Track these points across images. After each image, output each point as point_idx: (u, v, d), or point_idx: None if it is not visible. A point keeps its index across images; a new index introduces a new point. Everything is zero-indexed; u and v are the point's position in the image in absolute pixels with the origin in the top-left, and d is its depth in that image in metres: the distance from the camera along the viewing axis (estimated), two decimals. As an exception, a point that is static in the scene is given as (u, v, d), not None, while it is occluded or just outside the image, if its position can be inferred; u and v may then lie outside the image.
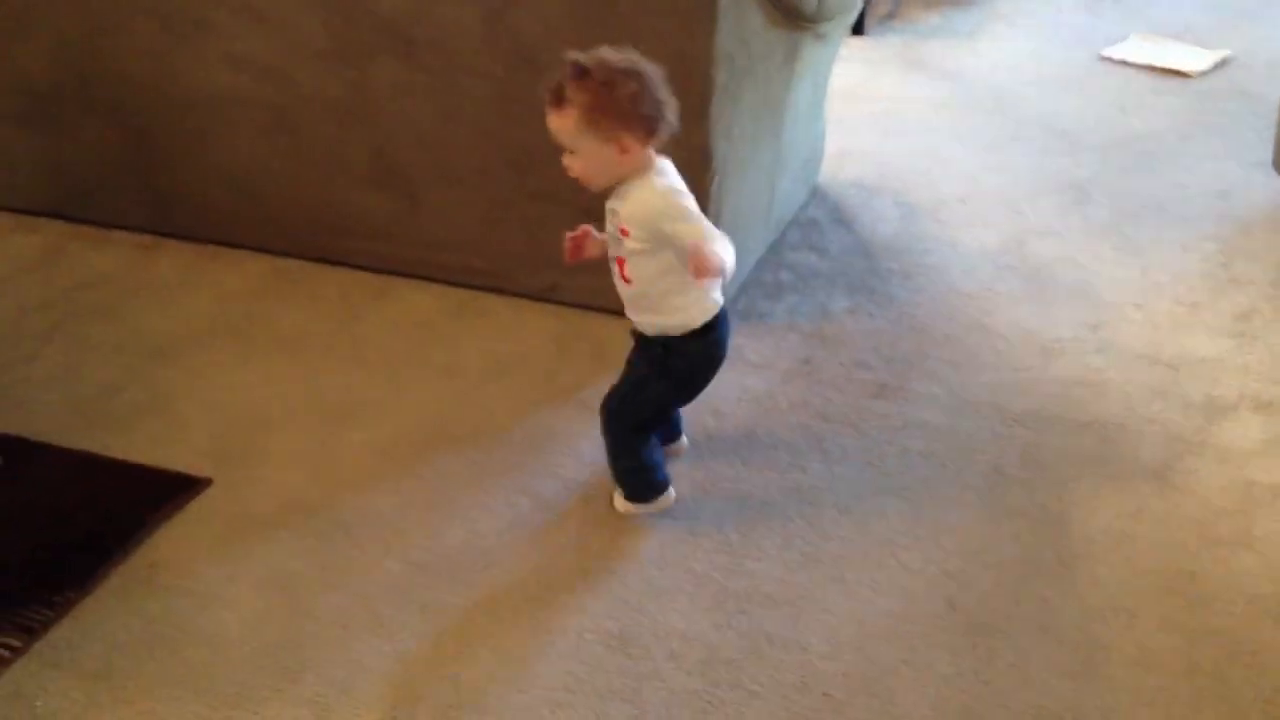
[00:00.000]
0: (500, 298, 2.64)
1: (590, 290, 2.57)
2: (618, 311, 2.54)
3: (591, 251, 1.91)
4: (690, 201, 1.77)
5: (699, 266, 1.68)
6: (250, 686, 1.75)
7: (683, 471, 2.12)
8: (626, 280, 1.85)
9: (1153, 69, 3.71)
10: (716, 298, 1.87)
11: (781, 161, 2.70)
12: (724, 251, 1.70)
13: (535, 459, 2.17)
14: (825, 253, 2.78)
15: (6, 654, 1.81)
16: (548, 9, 2.25)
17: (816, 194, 3.04)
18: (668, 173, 1.79)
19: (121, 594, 1.93)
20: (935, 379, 2.33)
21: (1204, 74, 3.66)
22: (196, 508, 2.11)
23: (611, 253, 1.86)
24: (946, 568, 1.90)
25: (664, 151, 2.20)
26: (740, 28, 2.24)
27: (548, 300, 2.60)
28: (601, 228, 1.87)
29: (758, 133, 2.49)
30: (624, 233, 1.79)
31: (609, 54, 1.71)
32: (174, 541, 2.03)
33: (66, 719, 1.72)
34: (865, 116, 3.48)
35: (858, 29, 4.04)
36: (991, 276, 2.66)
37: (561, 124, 1.71)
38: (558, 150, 2.40)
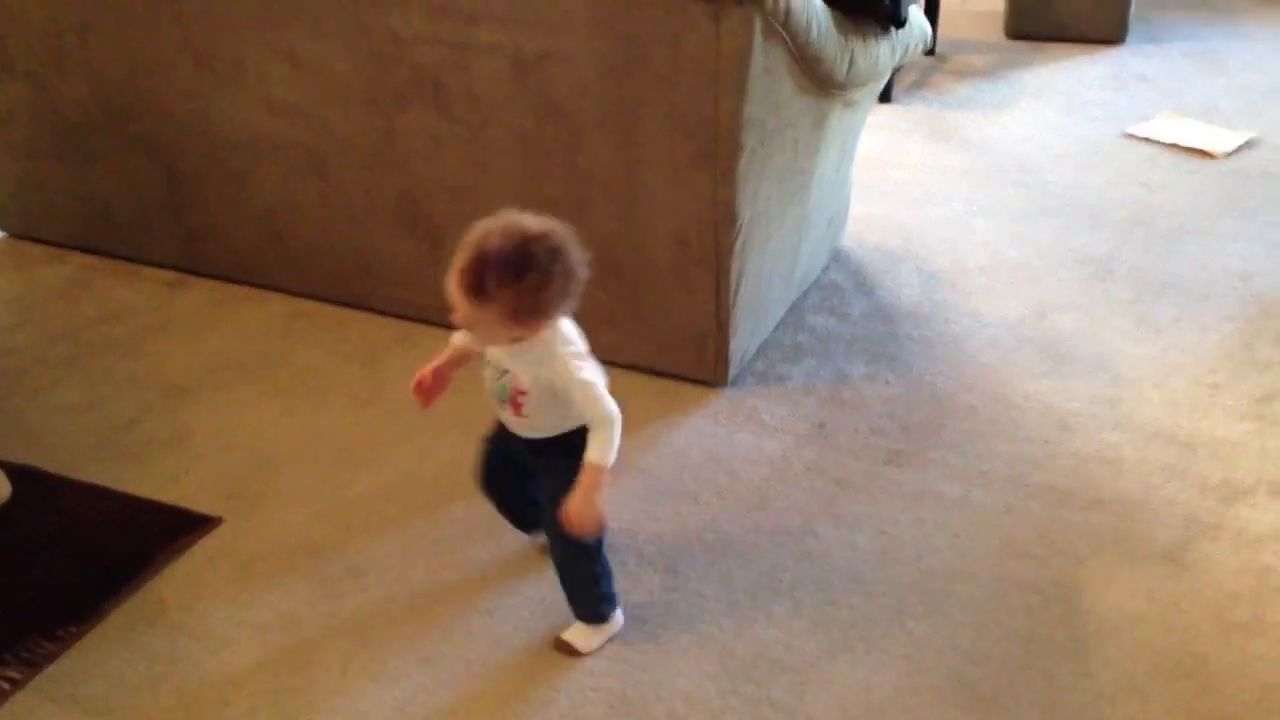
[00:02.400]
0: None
1: (607, 346, 2.57)
2: (634, 367, 2.55)
3: (445, 385, 1.85)
4: (588, 367, 1.68)
5: (576, 520, 1.63)
6: (250, 729, 1.75)
7: (693, 532, 2.12)
8: (520, 416, 1.73)
9: (1178, 148, 3.72)
10: None
11: (806, 225, 2.71)
12: (610, 453, 1.64)
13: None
14: (845, 317, 2.78)
15: (6, 686, 1.81)
16: (580, 65, 2.28)
17: (839, 258, 3.05)
18: (562, 335, 1.68)
19: (126, 630, 1.93)
20: (951, 448, 2.32)
21: (1229, 155, 3.67)
22: (206, 546, 2.11)
23: (496, 395, 1.75)
24: (955, 640, 1.88)
25: (685, 215, 2.22)
26: (771, 93, 2.26)
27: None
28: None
29: (784, 196, 2.50)
30: (522, 393, 1.70)
31: (529, 229, 1.59)
32: (182, 580, 2.03)
33: (64, 754, 1.71)
34: (891, 183, 3.50)
35: (886, 97, 4.07)
36: (1011, 348, 2.66)
37: (476, 313, 1.58)
38: (581, 205, 2.44)
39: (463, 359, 1.83)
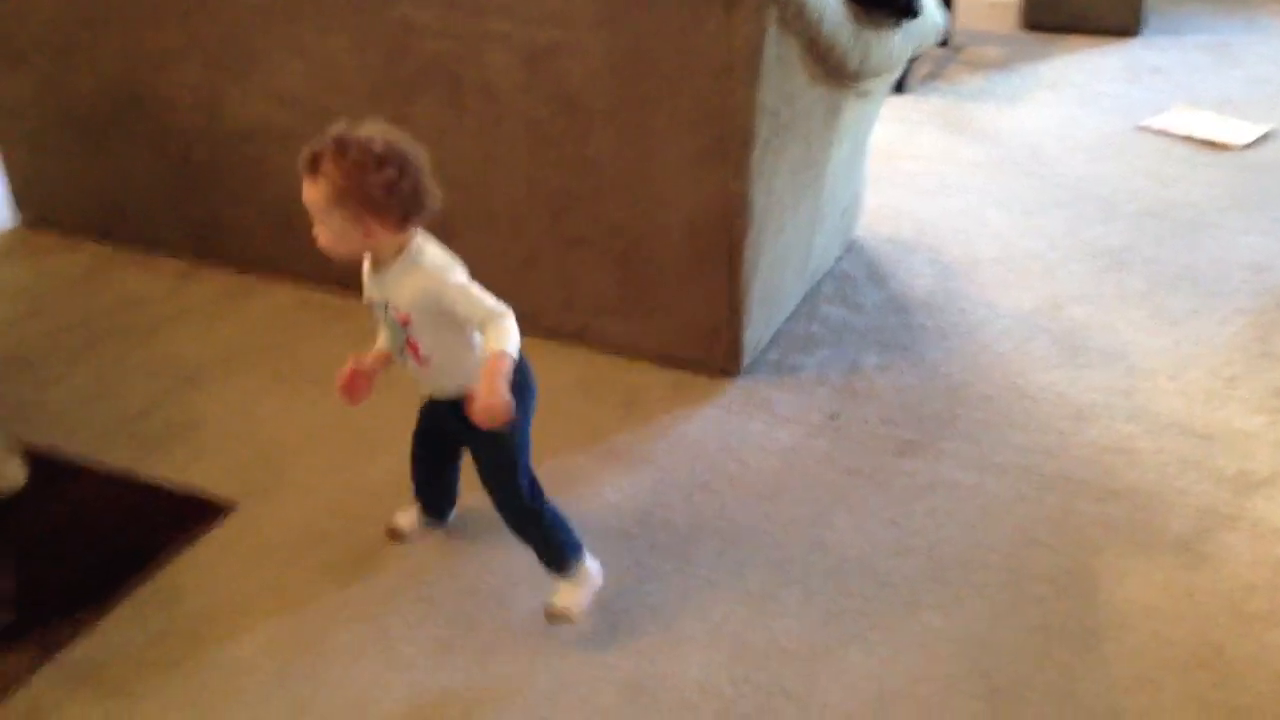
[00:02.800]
0: (529, 339, 2.63)
1: (620, 336, 2.58)
2: (647, 358, 2.55)
3: (369, 381, 1.83)
4: (461, 273, 1.68)
5: (483, 410, 1.58)
6: (263, 714, 1.75)
7: (705, 521, 2.11)
8: (422, 362, 1.73)
9: (1192, 140, 3.70)
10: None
11: (819, 216, 2.71)
12: (509, 341, 1.63)
13: (558, 501, 2.15)
14: (859, 308, 2.78)
15: (24, 670, 1.82)
16: (591, 57, 2.27)
17: (852, 248, 3.05)
18: (427, 250, 1.69)
19: (142, 615, 1.94)
20: (965, 438, 2.32)
21: (1244, 147, 3.65)
22: (220, 533, 2.11)
23: (394, 344, 1.75)
24: (969, 630, 1.88)
25: (698, 206, 2.21)
26: (784, 84, 2.25)
27: (577, 343, 2.61)
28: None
29: (797, 187, 2.50)
30: (405, 321, 1.69)
31: (377, 132, 1.63)
32: (196, 565, 2.04)
33: (78, 738, 1.72)
34: (904, 174, 3.49)
35: (900, 88, 4.06)
36: (1025, 338, 2.65)
37: (312, 194, 1.62)
38: (594, 195, 2.43)
39: (387, 359, 1.82)
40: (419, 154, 1.66)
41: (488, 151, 2.49)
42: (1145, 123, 3.84)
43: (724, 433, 2.35)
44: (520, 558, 2.03)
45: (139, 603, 1.96)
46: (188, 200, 2.95)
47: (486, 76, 2.39)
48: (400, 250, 1.68)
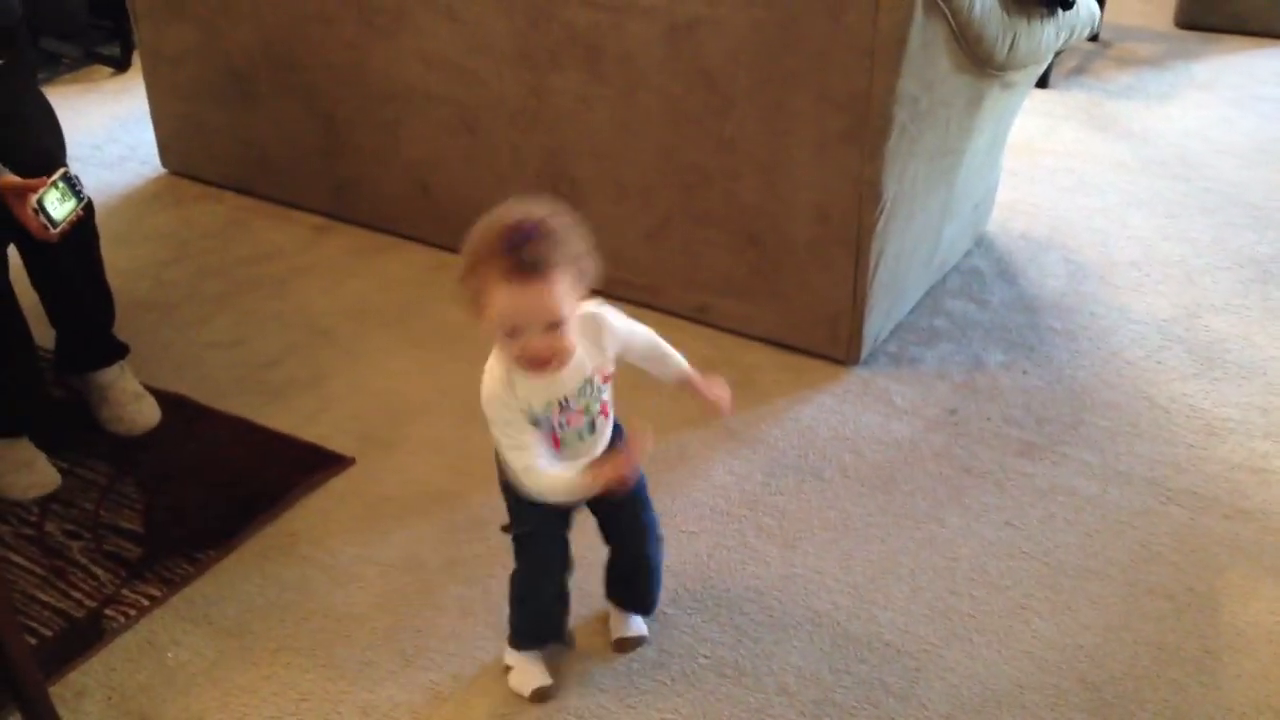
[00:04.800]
0: (651, 314, 2.65)
1: (740, 317, 2.57)
2: (766, 340, 2.54)
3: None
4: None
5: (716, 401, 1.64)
6: (370, 664, 1.79)
7: (816, 508, 2.10)
8: (607, 416, 1.63)
9: (1355, 150, 3.53)
10: None
11: (951, 207, 2.65)
12: None
13: (667, 478, 2.17)
14: (985, 304, 2.72)
15: (146, 603, 1.89)
16: (733, 32, 2.26)
17: (983, 243, 2.98)
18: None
19: (260, 559, 2.00)
20: (1089, 445, 2.26)
21: None
22: (338, 485, 2.17)
23: (581, 426, 1.58)
24: (1081, 641, 1.83)
25: (829, 190, 2.16)
26: (927, 70, 2.21)
27: (698, 321, 2.61)
28: None
29: (931, 176, 2.45)
30: (607, 379, 1.59)
31: (527, 208, 1.44)
32: (314, 515, 2.10)
33: (194, 672, 1.79)
34: (1042, 170, 3.40)
35: (1043, 82, 3.94)
36: (1159, 346, 2.57)
37: (548, 296, 1.39)
38: (726, 173, 2.42)
39: None
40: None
41: (624, 123, 2.49)
42: (1304, 129, 3.68)
43: (839, 421, 2.33)
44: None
45: (257, 547, 2.02)
46: (329, 157, 3.02)
47: (627, 48, 2.39)
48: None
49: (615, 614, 1.85)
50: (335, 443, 2.27)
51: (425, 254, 2.92)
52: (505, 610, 1.89)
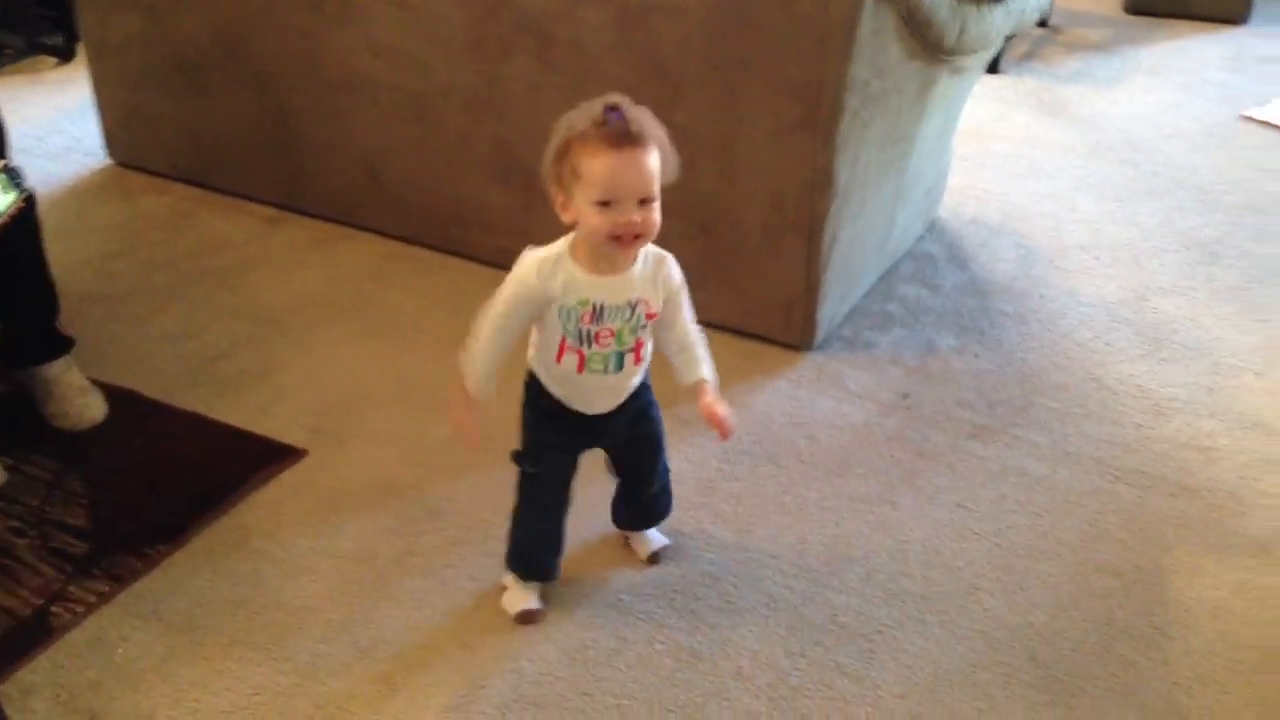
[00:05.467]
0: (606, 302, 2.65)
1: (695, 303, 2.56)
2: (720, 327, 2.54)
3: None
4: None
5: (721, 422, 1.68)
6: (324, 656, 1.78)
7: (771, 493, 2.11)
8: (640, 360, 1.68)
9: (1298, 133, 3.59)
10: None
11: (903, 193, 2.67)
12: None
13: (625, 465, 2.17)
14: (938, 288, 2.74)
15: (94, 599, 1.87)
16: (685, 19, 2.26)
17: (935, 228, 3.00)
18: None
19: (211, 553, 1.98)
20: (1039, 427, 2.28)
21: (1353, 143, 3.53)
22: (291, 477, 2.15)
23: (608, 350, 1.62)
24: (1031, 620, 1.85)
25: (782, 177, 2.17)
26: (878, 56, 2.22)
27: (653, 309, 2.60)
28: None
29: (883, 162, 2.46)
30: (652, 317, 1.63)
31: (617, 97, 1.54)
32: (266, 508, 2.08)
33: (144, 668, 1.77)
34: (993, 155, 3.43)
35: (994, 67, 3.98)
36: (1107, 329, 2.60)
37: (647, 166, 1.48)
38: (680, 161, 2.41)
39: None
40: None
41: (574, 112, 2.48)
42: (1249, 113, 3.73)
43: (793, 406, 2.34)
44: (584, 521, 2.04)
45: (208, 541, 2.00)
46: (279, 148, 2.99)
47: (578, 35, 2.39)
48: None
49: (634, 536, 1.96)
50: (287, 435, 2.25)
51: (378, 244, 2.90)
52: (465, 600, 1.89)
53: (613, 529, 1.99)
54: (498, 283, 2.70)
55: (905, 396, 2.37)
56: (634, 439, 1.81)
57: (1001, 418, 2.31)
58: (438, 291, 2.73)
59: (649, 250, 1.60)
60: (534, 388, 1.73)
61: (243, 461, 2.17)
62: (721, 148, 2.35)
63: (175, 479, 2.13)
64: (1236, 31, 4.53)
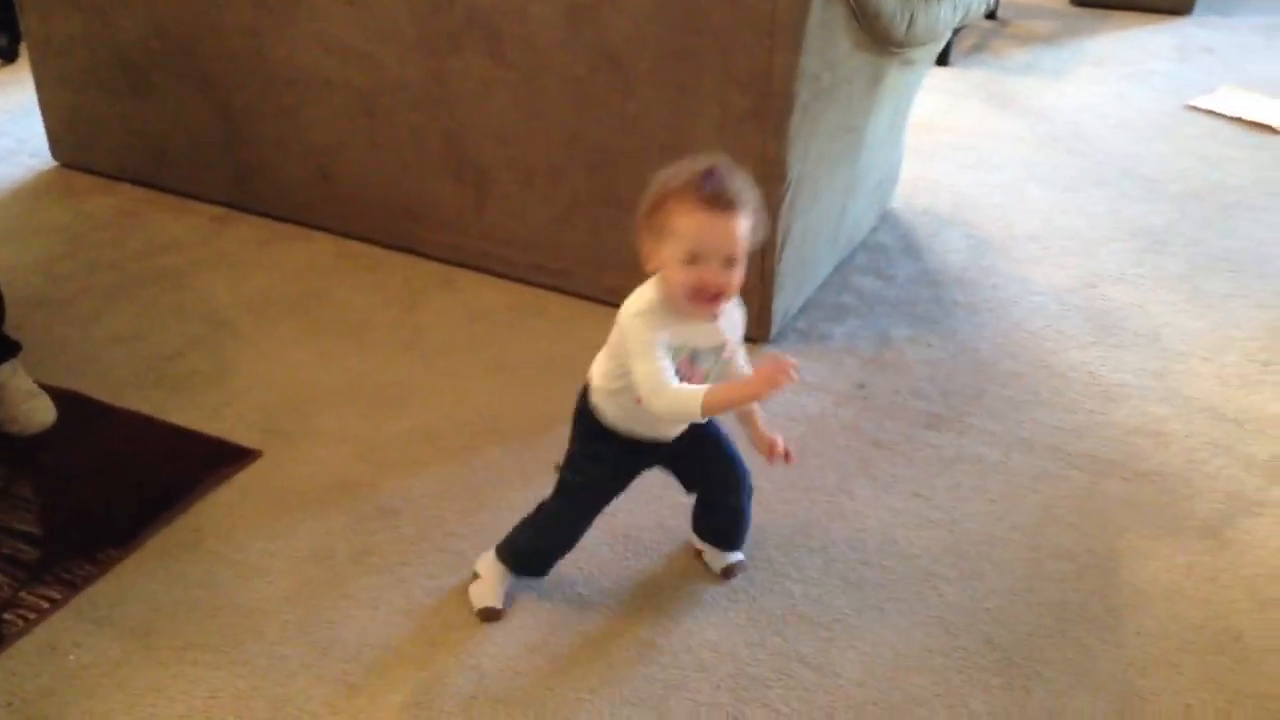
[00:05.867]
0: (560, 297, 2.65)
1: (651, 297, 2.57)
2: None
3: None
4: None
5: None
6: (281, 658, 1.77)
7: (728, 485, 2.11)
8: None
9: (1241, 121, 3.64)
10: None
11: (855, 184, 2.68)
12: None
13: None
14: (891, 279, 2.75)
15: (46, 605, 1.84)
16: (635, 12, 2.26)
17: (887, 219, 3.02)
18: None
19: (164, 557, 1.95)
20: (992, 415, 2.30)
21: (1294, 131, 3.59)
22: (244, 478, 2.13)
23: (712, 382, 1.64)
24: (987, 605, 1.87)
25: (737, 164, 2.17)
26: (827, 48, 2.23)
27: (609, 304, 2.59)
28: None
29: (834, 154, 2.48)
30: (730, 357, 1.68)
31: (718, 158, 1.55)
32: (219, 510, 2.05)
33: (98, 674, 1.74)
34: (943, 147, 3.45)
35: (943, 60, 4.01)
36: (1058, 317, 2.62)
37: (737, 233, 1.51)
38: (632, 154, 2.42)
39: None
40: None
41: (527, 105, 2.48)
42: (1194, 102, 3.78)
43: (750, 398, 2.34)
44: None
45: (161, 545, 1.98)
46: (226, 146, 2.96)
47: (528, 30, 2.38)
48: None
49: (709, 549, 1.92)
50: (240, 436, 2.22)
51: (328, 242, 2.88)
52: (424, 597, 1.88)
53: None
54: (447, 278, 2.73)
55: (860, 387, 2.38)
56: (692, 444, 1.76)
57: (955, 406, 2.32)
58: (389, 289, 2.71)
59: None
60: (588, 414, 1.72)
61: (195, 463, 2.14)
62: (673, 140, 2.35)
63: (126, 482, 2.10)
64: (1181, 22, 4.60)
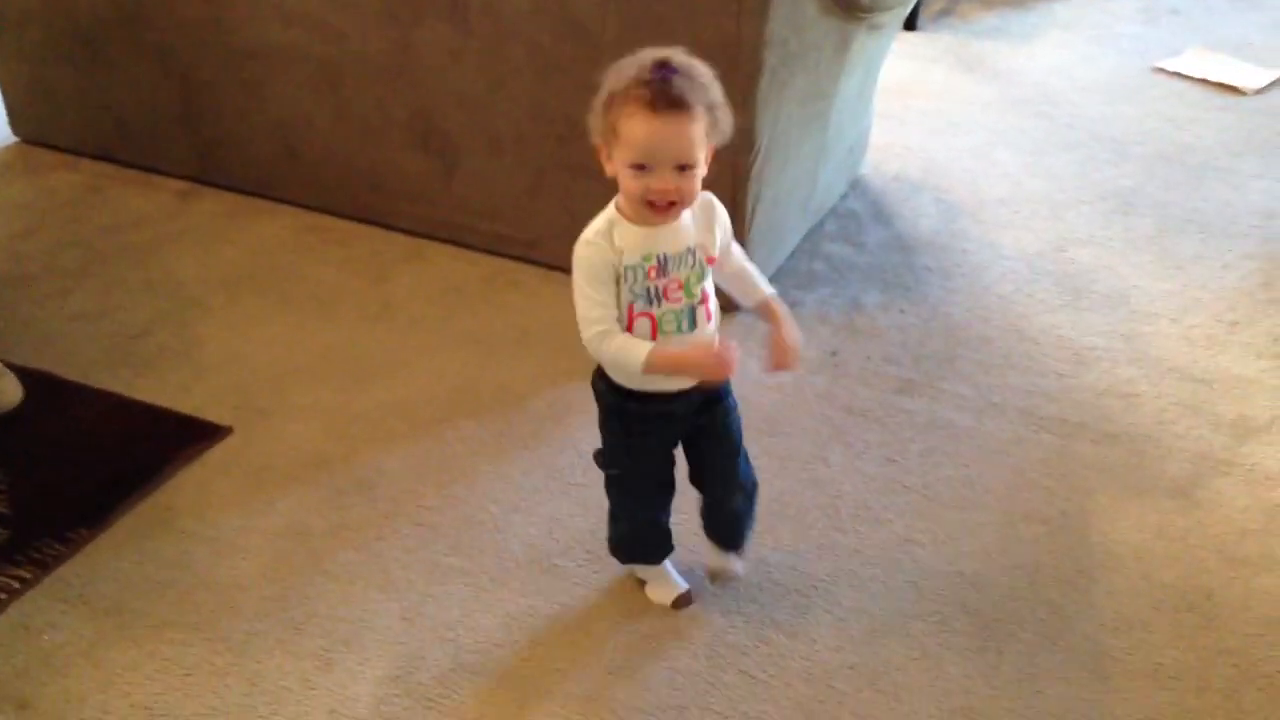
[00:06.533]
0: (531, 268, 2.63)
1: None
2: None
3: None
4: None
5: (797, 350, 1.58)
6: (257, 635, 1.76)
7: (702, 453, 2.11)
8: (710, 318, 1.58)
9: (1207, 83, 3.65)
10: None
11: (825, 151, 2.68)
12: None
13: (553, 431, 2.16)
14: (862, 246, 2.76)
15: (17, 585, 1.83)
16: (600, -20, 2.24)
17: (858, 186, 3.02)
18: None
19: (136, 535, 1.94)
20: (964, 379, 2.31)
21: (1259, 92, 3.60)
22: (216, 455, 2.11)
23: (680, 305, 1.53)
24: (961, 568, 1.88)
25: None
26: (794, 13, 2.21)
27: (579, 274, 2.59)
28: None
29: (804, 120, 2.47)
30: (712, 261, 1.55)
31: (671, 51, 1.45)
32: (192, 487, 2.04)
33: (72, 653, 1.73)
34: (913, 112, 3.45)
35: (911, 24, 3.99)
36: (1028, 280, 2.63)
37: (686, 134, 1.40)
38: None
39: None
40: None
41: (493, 75, 2.45)
42: (1161, 64, 3.79)
43: (723, 367, 2.34)
44: (516, 488, 2.03)
45: (133, 523, 1.97)
46: (189, 120, 2.92)
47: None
48: None
49: (709, 546, 1.84)
50: (211, 413, 2.21)
51: (296, 216, 2.85)
52: (399, 571, 1.88)
53: (546, 513, 1.98)
54: (416, 250, 2.71)
55: (833, 354, 2.39)
56: (705, 428, 1.67)
57: (927, 372, 2.33)
58: (358, 262, 2.69)
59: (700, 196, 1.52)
60: (601, 382, 1.63)
61: (166, 441, 2.13)
62: (643, 109, 2.34)
63: (96, 461, 2.09)
64: (1146, -16, 4.60)
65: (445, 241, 2.72)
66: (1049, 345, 2.42)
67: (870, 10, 2.45)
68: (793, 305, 2.51)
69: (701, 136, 1.42)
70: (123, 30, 2.85)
